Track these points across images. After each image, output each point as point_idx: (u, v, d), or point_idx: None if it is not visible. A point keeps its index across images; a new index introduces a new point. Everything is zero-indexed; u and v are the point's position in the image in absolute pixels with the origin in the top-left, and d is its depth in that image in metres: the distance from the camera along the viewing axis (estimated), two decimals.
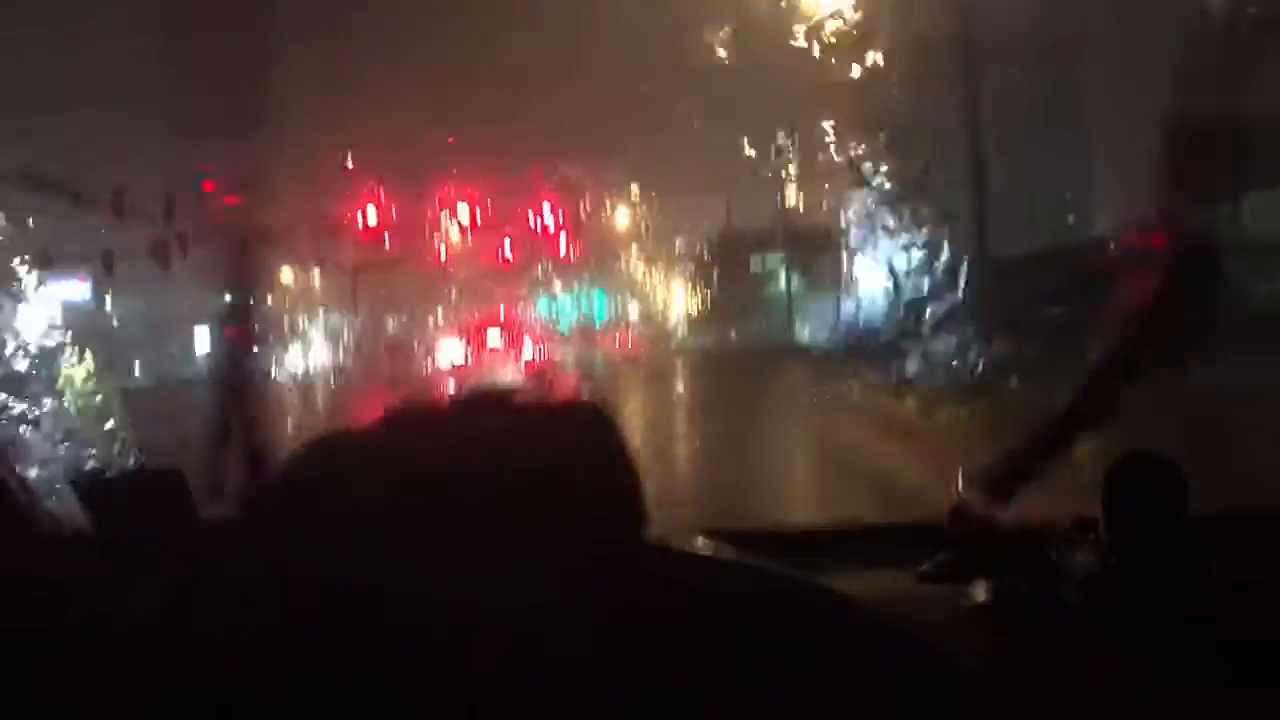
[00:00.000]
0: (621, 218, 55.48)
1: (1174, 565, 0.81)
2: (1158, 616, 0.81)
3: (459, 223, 27.90)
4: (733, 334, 48.58)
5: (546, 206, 26.36)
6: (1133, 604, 0.82)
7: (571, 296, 69.19)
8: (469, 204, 27.08)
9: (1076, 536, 0.93)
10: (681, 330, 53.92)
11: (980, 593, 0.99)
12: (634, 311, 60.31)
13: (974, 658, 0.79)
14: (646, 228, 57.96)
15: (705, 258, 54.00)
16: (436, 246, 37.30)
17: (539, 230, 26.37)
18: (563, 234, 35.67)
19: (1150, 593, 0.82)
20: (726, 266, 50.00)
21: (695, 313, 54.83)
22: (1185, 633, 0.81)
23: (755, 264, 45.57)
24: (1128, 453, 0.85)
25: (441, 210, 27.48)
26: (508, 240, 37.94)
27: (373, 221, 23.73)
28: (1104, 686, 0.81)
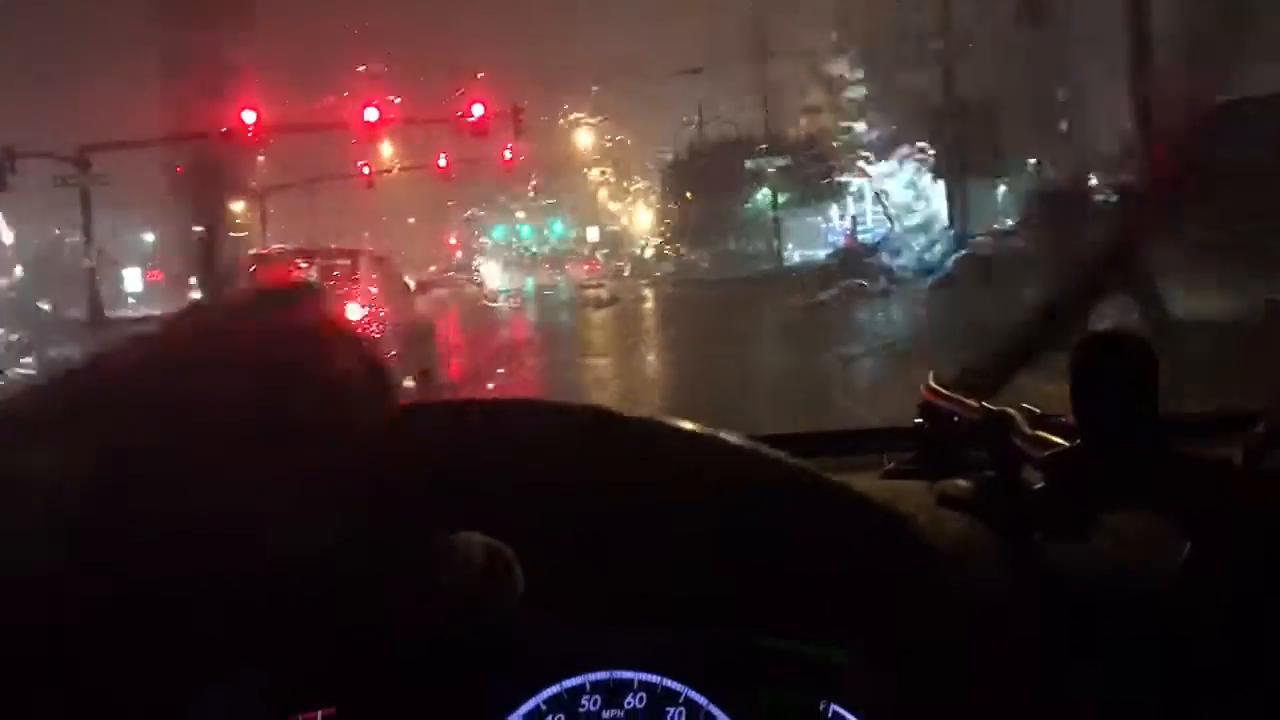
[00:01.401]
0: (580, 131, 52.45)
1: (1141, 442, 0.79)
2: (1120, 495, 0.81)
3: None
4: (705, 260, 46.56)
5: (478, 108, 22.99)
6: (1097, 483, 0.80)
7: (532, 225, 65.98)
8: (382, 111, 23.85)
9: (1042, 418, 0.91)
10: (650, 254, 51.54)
11: (948, 486, 0.98)
12: (596, 235, 57.59)
13: (939, 543, 0.83)
14: (606, 139, 55.22)
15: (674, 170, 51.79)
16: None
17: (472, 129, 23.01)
18: (506, 150, 32.44)
19: (1114, 471, 0.80)
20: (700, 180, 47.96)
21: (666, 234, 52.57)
22: (1148, 511, 0.82)
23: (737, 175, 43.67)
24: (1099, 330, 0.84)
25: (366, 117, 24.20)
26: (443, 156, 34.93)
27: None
28: (1060, 568, 0.84)
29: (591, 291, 31.62)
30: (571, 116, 49.78)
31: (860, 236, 45.77)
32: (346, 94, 24.11)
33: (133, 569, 0.39)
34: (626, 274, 45.39)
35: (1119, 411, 0.80)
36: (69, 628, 0.37)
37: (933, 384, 1.12)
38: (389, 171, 36.52)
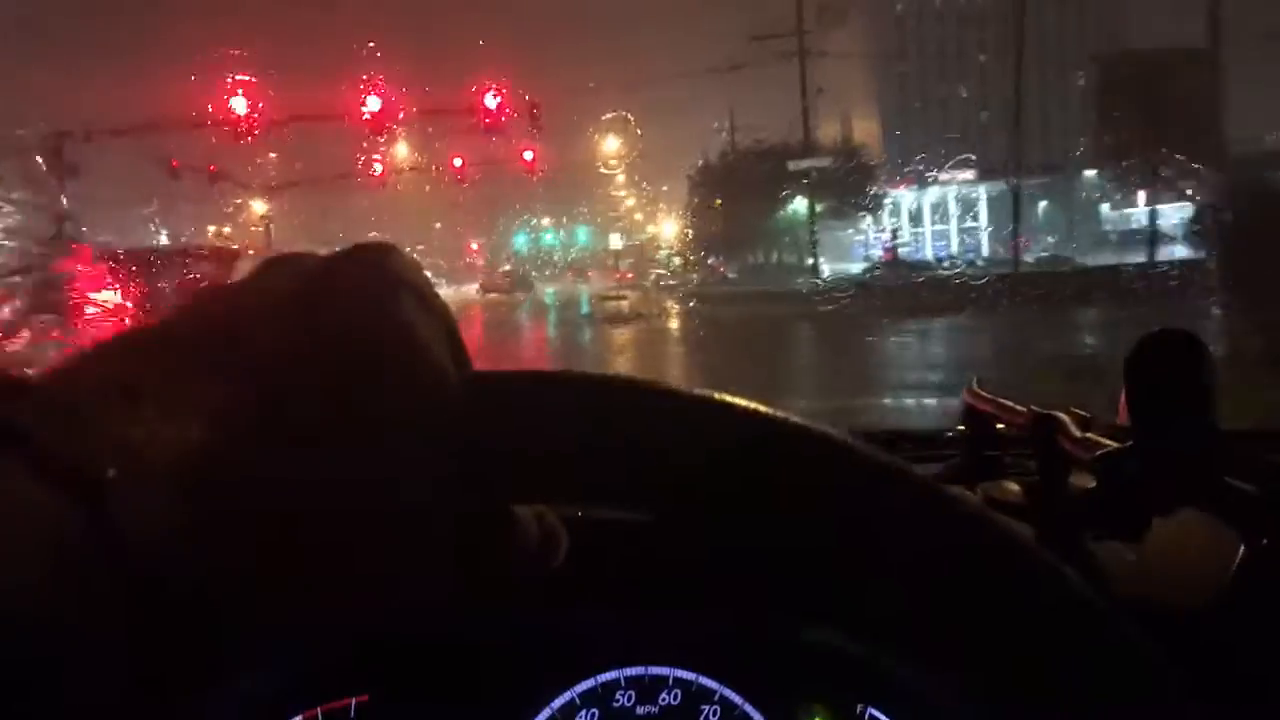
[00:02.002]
0: (606, 135, 50.45)
1: (1195, 445, 0.80)
2: (1173, 498, 0.82)
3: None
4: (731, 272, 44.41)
5: (491, 97, 20.74)
6: (1148, 485, 0.81)
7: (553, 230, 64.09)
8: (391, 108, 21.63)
9: (1091, 421, 0.90)
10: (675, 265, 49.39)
11: (994, 488, 0.98)
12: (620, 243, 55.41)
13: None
14: (633, 143, 53.19)
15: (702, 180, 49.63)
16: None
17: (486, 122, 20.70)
18: (528, 153, 30.34)
19: (1166, 472, 0.80)
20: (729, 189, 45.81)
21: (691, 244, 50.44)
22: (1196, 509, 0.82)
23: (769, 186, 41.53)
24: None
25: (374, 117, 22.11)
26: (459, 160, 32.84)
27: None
28: (1111, 572, 0.84)
29: (611, 303, 29.30)
30: (598, 118, 47.99)
31: (900, 250, 44.06)
32: (350, 87, 22.05)
33: (233, 529, 0.39)
34: (650, 284, 43.25)
35: (1172, 412, 0.79)
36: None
37: (975, 388, 1.05)
38: (401, 172, 34.55)
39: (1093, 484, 0.82)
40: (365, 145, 30.17)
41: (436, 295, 0.48)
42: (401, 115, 22.48)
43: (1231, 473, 0.78)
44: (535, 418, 0.47)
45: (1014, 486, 0.97)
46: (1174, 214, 47.89)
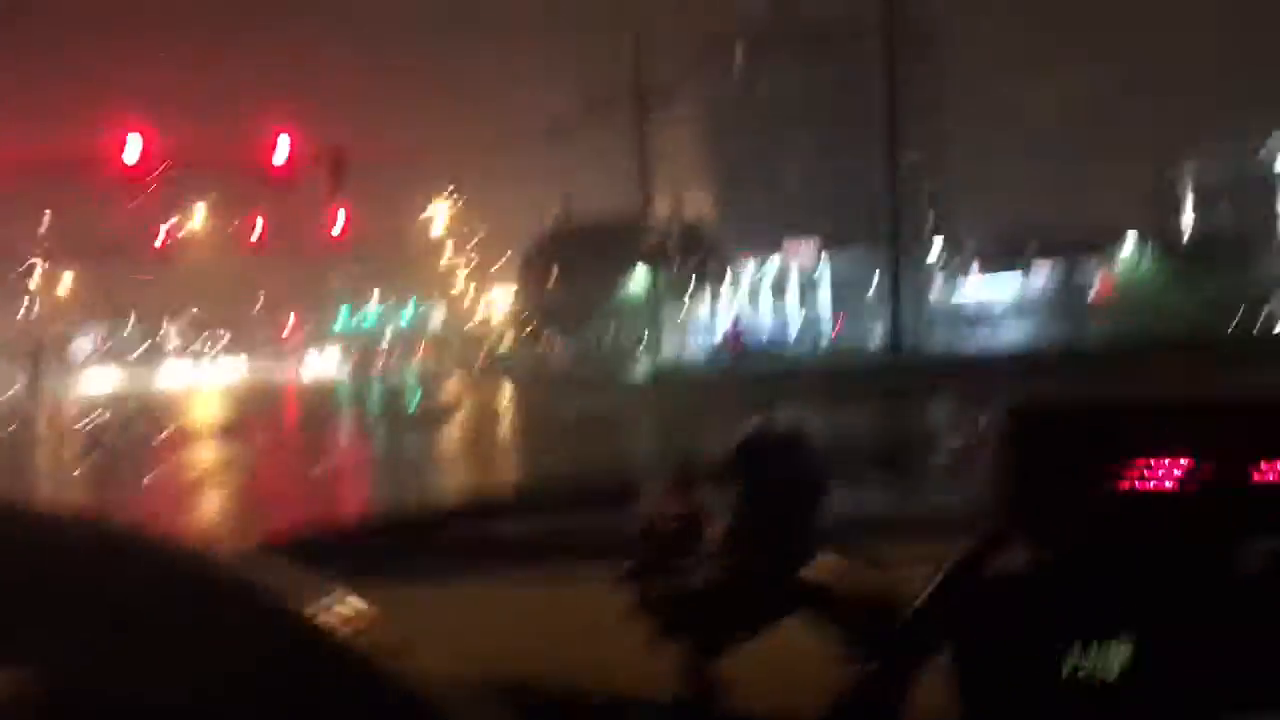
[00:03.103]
0: (433, 211, 46.86)
1: (797, 545, 0.82)
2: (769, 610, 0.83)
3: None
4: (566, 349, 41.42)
5: (285, 140, 17.11)
6: (756, 574, 0.82)
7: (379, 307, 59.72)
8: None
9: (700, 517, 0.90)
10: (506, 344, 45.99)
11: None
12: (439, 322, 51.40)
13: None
14: (458, 220, 49.69)
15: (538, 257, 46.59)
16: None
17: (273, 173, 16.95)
18: (340, 213, 26.67)
19: (769, 576, 0.82)
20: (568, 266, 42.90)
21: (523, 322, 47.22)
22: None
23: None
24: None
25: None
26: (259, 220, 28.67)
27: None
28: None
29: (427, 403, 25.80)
30: (419, 182, 44.55)
31: (743, 335, 41.83)
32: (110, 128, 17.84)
33: None
34: (476, 368, 39.71)
35: (775, 511, 0.78)
36: None
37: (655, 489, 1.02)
38: (189, 242, 30.29)
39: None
40: (141, 209, 26.09)
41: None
42: (167, 163, 18.47)
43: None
44: None
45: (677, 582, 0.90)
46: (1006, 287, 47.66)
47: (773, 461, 0.81)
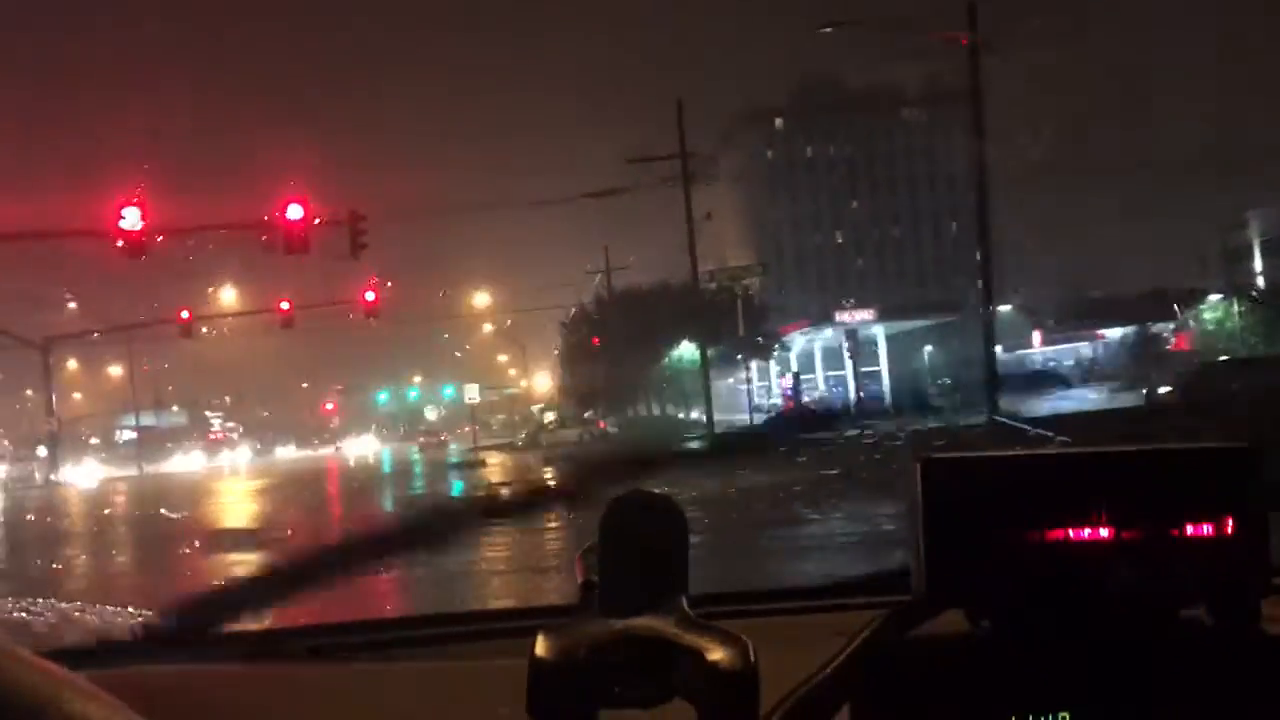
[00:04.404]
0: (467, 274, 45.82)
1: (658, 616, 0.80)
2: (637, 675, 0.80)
3: None
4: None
5: (295, 209, 15.84)
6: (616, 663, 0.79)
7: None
8: None
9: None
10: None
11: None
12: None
13: None
14: (499, 284, 48.44)
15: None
16: None
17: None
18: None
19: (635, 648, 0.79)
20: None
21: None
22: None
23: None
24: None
25: None
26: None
27: None
28: None
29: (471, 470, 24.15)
30: (449, 252, 43.52)
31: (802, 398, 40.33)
32: (104, 198, 16.80)
33: None
34: (524, 441, 38.16)
35: (635, 580, 0.78)
36: None
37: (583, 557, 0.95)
38: (216, 318, 29.26)
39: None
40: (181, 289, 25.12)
41: None
42: (161, 239, 17.30)
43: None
44: None
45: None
46: (1069, 354, 46.26)
47: (626, 525, 0.79)
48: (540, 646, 0.75)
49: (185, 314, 26.47)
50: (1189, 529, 0.82)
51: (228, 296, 31.77)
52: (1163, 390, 28.07)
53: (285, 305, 26.95)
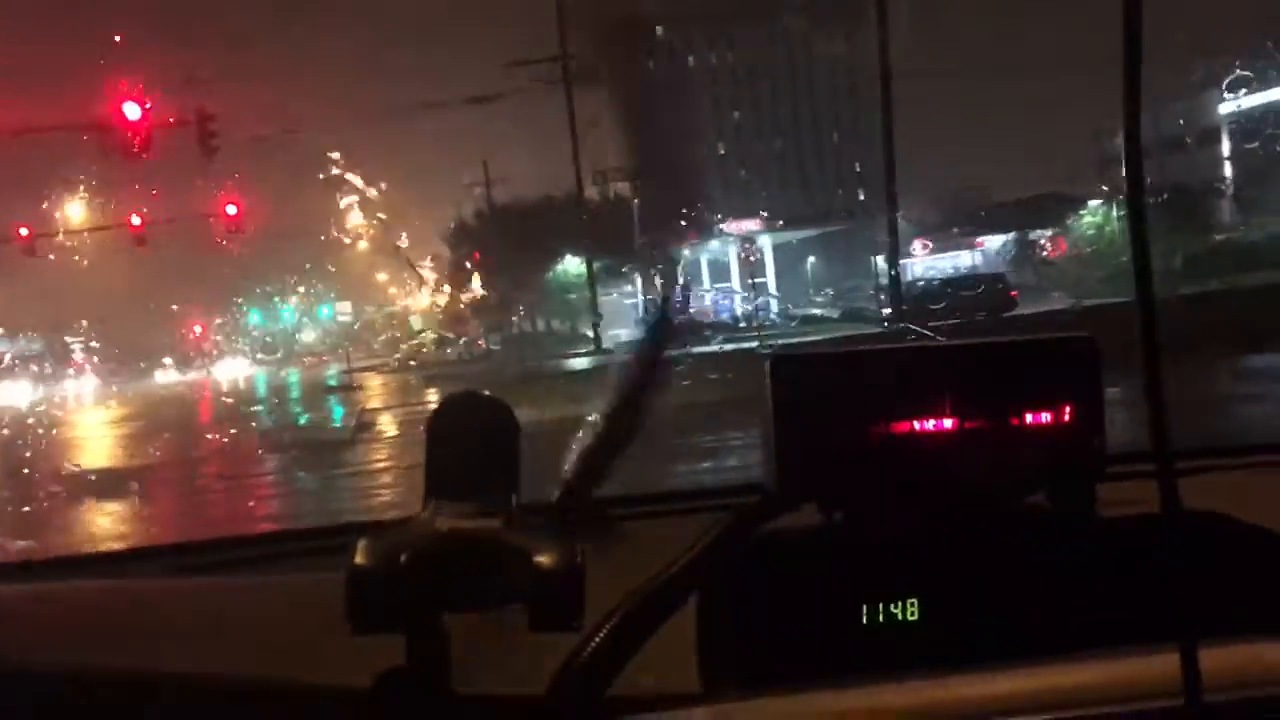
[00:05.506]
0: (336, 179, 43.62)
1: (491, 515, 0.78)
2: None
3: None
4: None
5: (131, 106, 14.16)
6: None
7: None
8: None
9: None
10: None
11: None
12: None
13: None
14: (372, 195, 46.22)
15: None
16: None
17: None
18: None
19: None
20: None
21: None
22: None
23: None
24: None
25: None
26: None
27: None
28: None
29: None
30: (319, 158, 41.36)
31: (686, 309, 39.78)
32: None
33: None
34: (397, 362, 36.91)
35: (471, 480, 0.78)
36: None
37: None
38: (56, 236, 26.99)
39: None
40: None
41: None
42: None
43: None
44: None
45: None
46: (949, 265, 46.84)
47: (454, 423, 0.78)
48: (359, 554, 0.72)
49: (24, 231, 24.33)
50: (1029, 418, 0.83)
51: (74, 212, 29.40)
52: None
53: (136, 220, 25.01)
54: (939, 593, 0.85)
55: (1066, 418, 0.84)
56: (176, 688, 0.94)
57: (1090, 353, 0.87)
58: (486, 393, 0.81)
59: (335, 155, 39.72)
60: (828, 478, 0.83)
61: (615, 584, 0.78)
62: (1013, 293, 27.87)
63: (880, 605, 0.85)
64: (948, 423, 0.83)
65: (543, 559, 0.72)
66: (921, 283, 34.28)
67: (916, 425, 0.83)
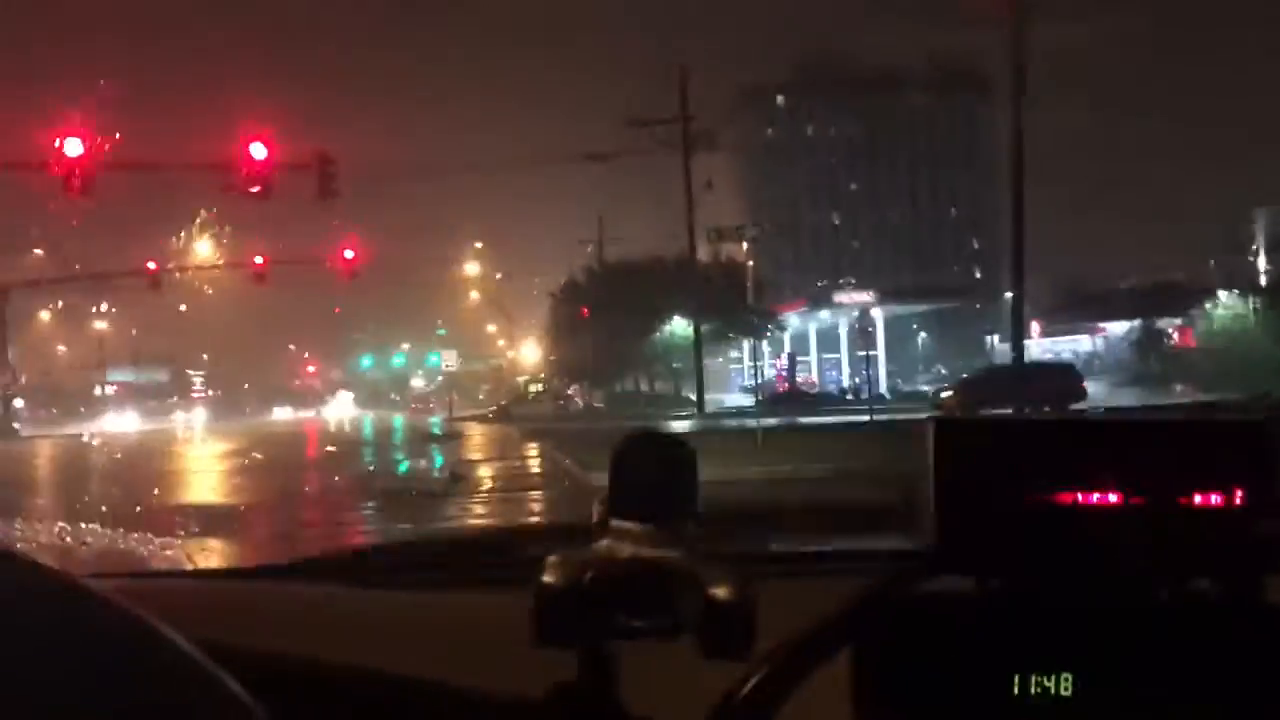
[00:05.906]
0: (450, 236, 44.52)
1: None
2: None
3: None
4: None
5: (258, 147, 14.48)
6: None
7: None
8: None
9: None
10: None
11: None
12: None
13: None
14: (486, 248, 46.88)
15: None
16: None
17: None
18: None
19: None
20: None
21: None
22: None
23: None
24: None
25: None
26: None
27: None
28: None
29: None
30: (438, 208, 42.17)
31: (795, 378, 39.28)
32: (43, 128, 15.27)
33: None
34: (491, 416, 37.07)
35: (654, 512, 0.80)
36: None
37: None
38: (184, 271, 27.96)
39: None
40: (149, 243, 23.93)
41: None
42: (108, 146, 15.85)
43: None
44: None
45: None
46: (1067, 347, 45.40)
47: (634, 455, 0.81)
48: (547, 572, 0.77)
49: (152, 265, 25.21)
50: (1197, 498, 0.83)
51: (202, 249, 30.48)
52: (945, 394, 29.31)
53: (259, 259, 25.71)
54: (1094, 671, 0.83)
55: (1238, 501, 0.81)
56: (367, 681, 1.02)
57: (1264, 436, 0.83)
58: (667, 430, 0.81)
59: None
60: (988, 543, 0.83)
61: (769, 633, 0.79)
62: (1082, 383, 27.93)
63: (1033, 678, 0.83)
64: (1113, 497, 0.82)
65: (718, 590, 0.75)
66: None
67: (1080, 497, 0.82)
